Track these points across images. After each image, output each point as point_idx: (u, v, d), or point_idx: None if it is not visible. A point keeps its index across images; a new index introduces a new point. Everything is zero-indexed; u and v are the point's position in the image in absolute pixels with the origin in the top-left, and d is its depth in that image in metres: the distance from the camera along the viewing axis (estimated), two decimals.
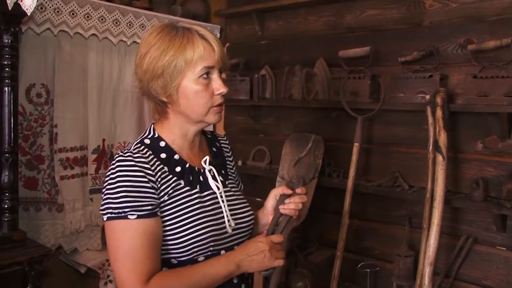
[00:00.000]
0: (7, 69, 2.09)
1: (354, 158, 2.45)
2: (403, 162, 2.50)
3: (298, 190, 1.44)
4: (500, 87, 2.06)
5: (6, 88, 2.10)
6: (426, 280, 2.07)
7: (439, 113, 2.13)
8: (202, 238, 1.31)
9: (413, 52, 2.37)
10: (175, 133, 1.39)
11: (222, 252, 1.37)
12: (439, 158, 2.10)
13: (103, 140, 2.78)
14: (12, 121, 2.12)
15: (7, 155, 2.12)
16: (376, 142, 2.62)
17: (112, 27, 2.66)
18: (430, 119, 2.17)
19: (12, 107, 2.12)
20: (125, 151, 1.31)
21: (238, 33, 3.30)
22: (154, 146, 1.36)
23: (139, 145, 1.34)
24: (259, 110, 3.16)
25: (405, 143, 2.50)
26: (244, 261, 1.32)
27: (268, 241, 1.35)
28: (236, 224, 1.41)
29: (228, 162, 1.57)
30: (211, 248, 1.33)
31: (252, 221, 1.49)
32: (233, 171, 1.58)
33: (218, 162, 1.50)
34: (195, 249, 1.30)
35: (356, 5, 2.67)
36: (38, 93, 2.57)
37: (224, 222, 1.38)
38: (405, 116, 2.48)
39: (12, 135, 2.13)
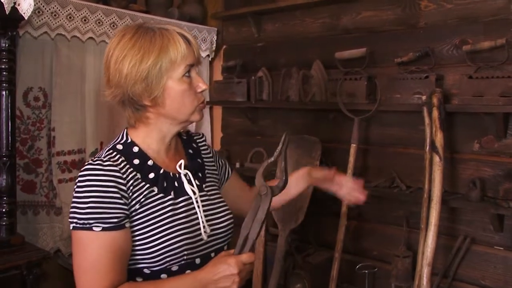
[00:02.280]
0: (4, 73, 2.10)
1: (351, 159, 2.46)
2: (400, 163, 2.51)
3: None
4: (495, 87, 2.07)
5: (4, 92, 2.11)
6: (425, 281, 2.07)
7: (435, 113, 2.13)
8: (175, 247, 1.27)
9: (409, 53, 2.38)
10: (152, 137, 1.35)
11: (197, 260, 1.33)
12: (436, 158, 2.11)
13: (101, 143, 2.79)
14: (10, 124, 2.13)
15: (5, 158, 2.12)
16: (373, 143, 2.62)
17: (109, 30, 2.66)
18: (427, 120, 2.18)
19: (9, 111, 2.12)
20: (95, 159, 1.26)
21: (235, 36, 3.31)
22: (127, 151, 1.31)
23: (110, 151, 1.29)
24: (256, 112, 3.16)
25: (402, 143, 2.51)
26: (210, 284, 1.20)
27: (239, 263, 1.19)
28: (212, 230, 1.36)
29: (206, 163, 1.51)
30: (185, 257, 1.29)
31: (231, 225, 1.44)
32: (214, 168, 1.53)
33: (195, 165, 1.45)
34: (168, 259, 1.26)
35: (352, 7, 2.69)
36: (36, 96, 2.57)
37: (199, 229, 1.33)
38: (401, 117, 2.49)
39: (10, 139, 2.13)
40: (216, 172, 1.54)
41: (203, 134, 1.59)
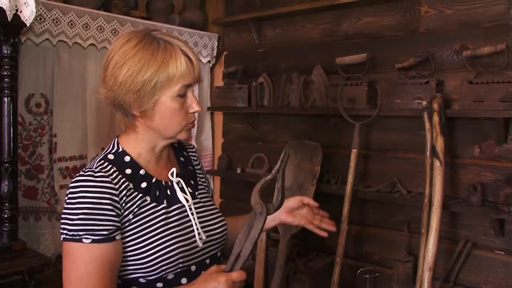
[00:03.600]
0: (6, 79, 2.11)
1: (352, 164, 2.47)
2: (401, 168, 2.52)
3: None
4: (495, 92, 2.07)
5: (6, 99, 2.11)
6: (426, 285, 2.07)
7: (435, 118, 2.14)
8: (170, 256, 1.26)
9: (409, 59, 2.39)
10: (142, 146, 1.33)
11: (193, 267, 1.32)
12: (437, 163, 2.11)
13: (102, 149, 2.74)
14: (11, 131, 2.13)
15: (6, 165, 2.13)
16: (374, 148, 2.63)
17: (110, 36, 2.67)
18: (427, 125, 2.18)
19: (11, 117, 2.13)
20: (86, 170, 1.25)
21: (236, 41, 3.32)
22: (119, 161, 1.29)
23: (102, 161, 1.28)
24: (257, 117, 3.17)
25: (403, 148, 2.51)
26: None
27: (229, 281, 1.16)
28: (207, 236, 1.36)
29: (197, 171, 1.51)
30: (180, 265, 1.28)
31: (225, 231, 1.44)
32: (204, 180, 1.52)
33: (187, 173, 1.44)
34: (164, 267, 1.25)
35: (353, 13, 2.70)
36: (37, 103, 2.58)
37: (194, 236, 1.32)
38: (402, 122, 2.49)
39: (12, 145, 2.14)
40: (206, 184, 1.53)
41: (194, 146, 1.59)
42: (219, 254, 1.43)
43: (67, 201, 1.21)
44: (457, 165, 2.34)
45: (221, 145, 3.44)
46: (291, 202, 1.65)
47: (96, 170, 1.23)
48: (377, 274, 2.56)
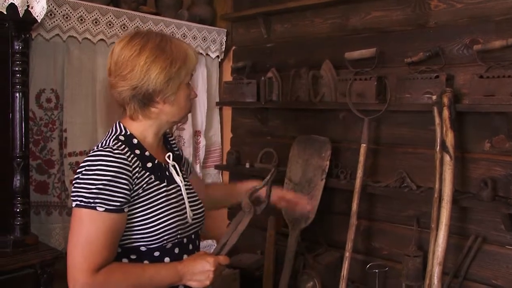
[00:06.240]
0: (18, 75, 2.12)
1: (361, 159, 2.46)
2: (410, 163, 2.51)
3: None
4: (506, 87, 2.06)
5: (17, 94, 2.13)
6: (435, 280, 2.07)
7: (445, 113, 2.13)
8: (171, 227, 1.44)
9: (419, 53, 2.38)
10: (150, 131, 1.50)
11: (185, 240, 1.51)
12: (447, 158, 2.11)
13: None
14: (23, 126, 2.14)
15: (18, 159, 2.14)
16: (383, 143, 2.62)
17: (119, 32, 2.69)
18: (437, 120, 2.18)
19: (23, 113, 2.14)
20: (104, 146, 1.39)
21: (244, 36, 3.32)
22: (129, 142, 1.44)
23: (116, 141, 1.42)
24: (266, 112, 3.17)
25: (412, 143, 2.51)
26: (187, 275, 1.41)
27: (216, 262, 1.42)
28: (194, 214, 1.54)
29: (180, 156, 1.68)
30: (178, 236, 1.47)
31: (204, 212, 1.63)
32: (184, 165, 1.70)
33: (176, 156, 1.60)
34: (165, 237, 1.43)
35: (362, 7, 2.69)
36: (48, 98, 2.59)
37: (186, 213, 1.51)
38: (411, 117, 2.49)
39: (24, 140, 2.15)
40: (187, 168, 1.74)
41: (172, 134, 1.74)
42: (199, 231, 1.63)
43: (84, 172, 1.35)
44: (467, 160, 2.33)
45: (230, 140, 3.45)
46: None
47: (114, 147, 1.38)
48: (387, 269, 2.56)
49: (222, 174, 3.45)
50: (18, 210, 2.14)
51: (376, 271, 2.53)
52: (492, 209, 2.21)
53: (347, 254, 2.45)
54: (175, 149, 1.68)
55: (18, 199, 2.14)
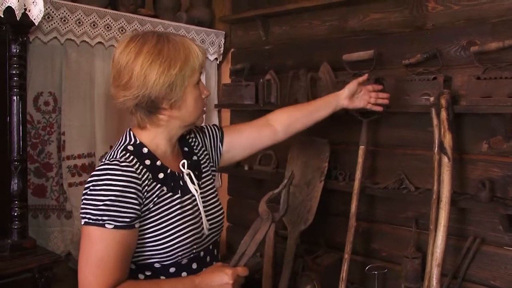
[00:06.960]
0: (15, 78, 2.12)
1: (360, 160, 2.46)
2: (408, 164, 2.51)
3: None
4: (503, 88, 2.06)
5: (15, 97, 2.13)
6: (434, 282, 2.07)
7: (443, 114, 2.14)
8: (186, 242, 1.37)
9: (416, 55, 2.38)
10: (161, 138, 1.43)
11: (202, 253, 1.43)
12: (445, 159, 2.11)
13: (110, 147, 2.79)
14: (21, 129, 2.15)
15: (16, 163, 2.14)
16: (381, 144, 2.62)
17: (118, 34, 2.69)
18: (435, 121, 2.18)
19: (20, 116, 2.15)
20: (111, 159, 1.31)
21: (243, 39, 3.33)
22: (138, 152, 1.37)
23: (124, 152, 1.34)
24: (265, 114, 3.16)
25: (411, 145, 2.51)
26: None
27: (234, 274, 1.34)
28: (210, 224, 1.47)
29: (200, 157, 1.58)
30: (194, 251, 1.40)
31: (223, 218, 1.56)
32: (208, 156, 1.61)
33: (193, 162, 1.52)
34: (180, 253, 1.36)
35: (360, 9, 2.69)
36: (46, 101, 2.60)
37: (202, 224, 1.44)
38: (410, 118, 2.49)
39: (21, 143, 2.15)
40: (210, 160, 1.62)
41: (190, 130, 1.63)
42: (218, 240, 1.56)
43: (92, 187, 1.27)
44: (465, 161, 2.33)
45: None
46: (351, 87, 2.00)
47: (121, 160, 1.31)
48: (386, 270, 2.56)
49: (220, 176, 3.44)
50: (16, 213, 2.14)
51: (375, 272, 2.53)
52: (490, 210, 2.21)
53: (346, 256, 2.45)
54: (196, 150, 1.58)
55: (16, 202, 2.14)
